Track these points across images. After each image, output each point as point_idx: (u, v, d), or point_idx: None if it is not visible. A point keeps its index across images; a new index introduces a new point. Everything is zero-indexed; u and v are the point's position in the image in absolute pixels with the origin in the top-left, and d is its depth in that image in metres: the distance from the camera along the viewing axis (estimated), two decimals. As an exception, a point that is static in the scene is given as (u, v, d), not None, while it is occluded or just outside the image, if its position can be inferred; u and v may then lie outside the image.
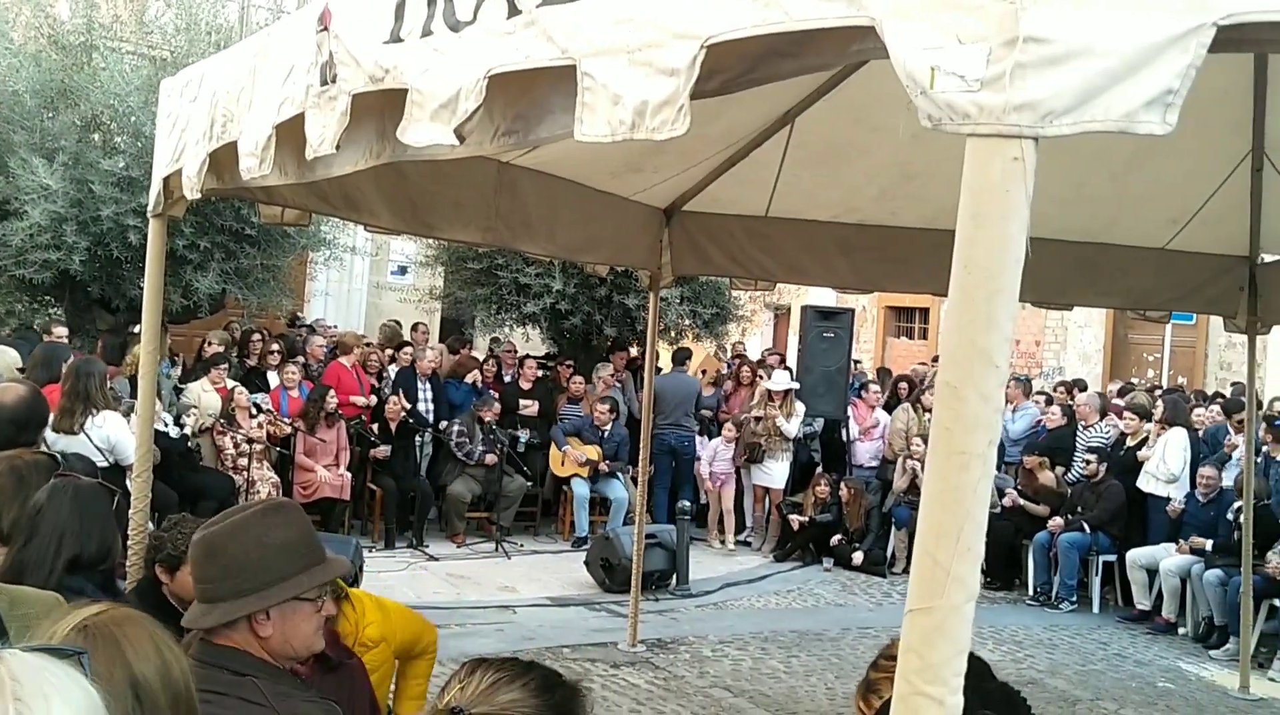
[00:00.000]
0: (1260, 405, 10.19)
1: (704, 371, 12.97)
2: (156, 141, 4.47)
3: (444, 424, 10.88)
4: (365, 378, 10.87)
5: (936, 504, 1.73)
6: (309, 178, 3.55)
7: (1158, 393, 12.25)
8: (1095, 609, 9.77)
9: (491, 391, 11.39)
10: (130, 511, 4.50)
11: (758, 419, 11.31)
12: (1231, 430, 9.93)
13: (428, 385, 11.14)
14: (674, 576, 9.40)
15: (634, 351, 12.73)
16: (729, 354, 14.67)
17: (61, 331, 9.12)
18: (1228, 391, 12.45)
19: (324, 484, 9.67)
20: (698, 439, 11.70)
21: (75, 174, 8.71)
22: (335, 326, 14.07)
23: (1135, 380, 14.76)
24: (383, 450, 10.30)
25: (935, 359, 13.92)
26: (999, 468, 10.74)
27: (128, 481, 5.35)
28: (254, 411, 9.57)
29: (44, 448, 4.96)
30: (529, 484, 11.00)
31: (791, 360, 13.85)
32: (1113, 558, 9.83)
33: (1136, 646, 8.78)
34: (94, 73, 9.16)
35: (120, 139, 9.09)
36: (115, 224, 8.68)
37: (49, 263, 8.81)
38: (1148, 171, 5.59)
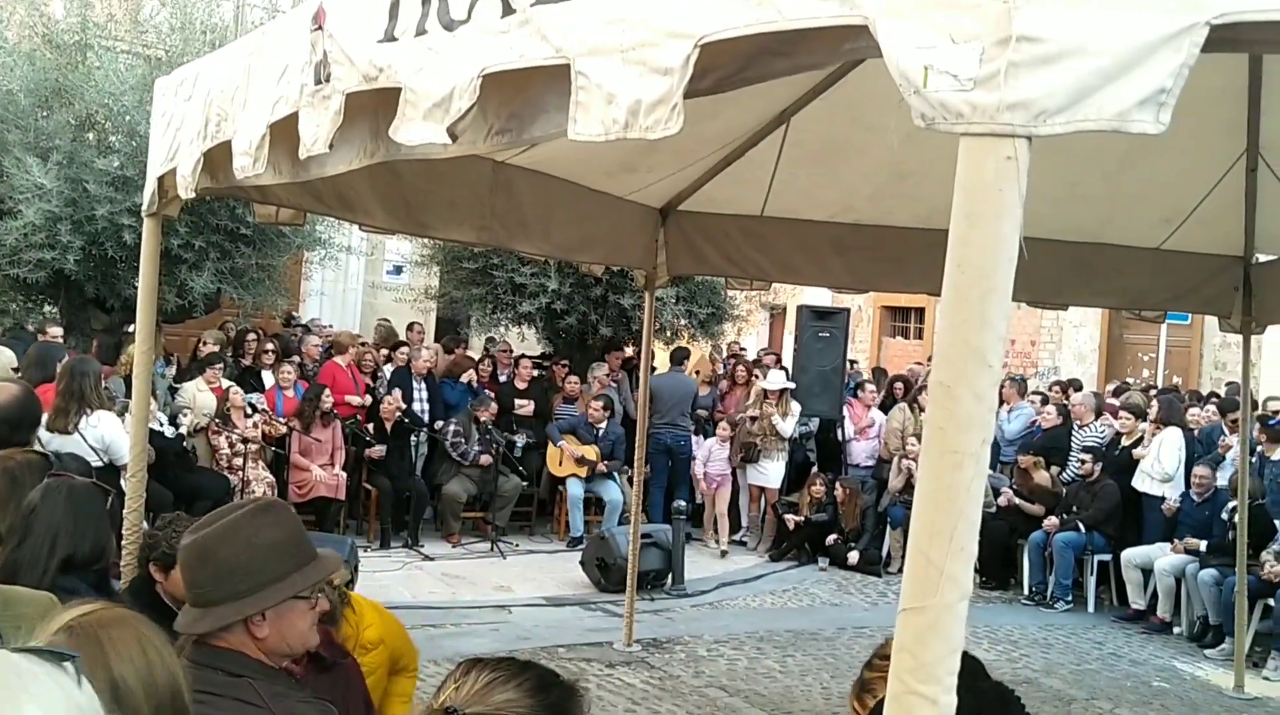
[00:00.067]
0: (1255, 405, 10.19)
1: (697, 372, 12.95)
2: (151, 140, 4.46)
3: (439, 424, 10.87)
4: (360, 377, 10.86)
5: (930, 503, 1.73)
6: (303, 177, 3.55)
7: (1153, 392, 12.25)
8: (1090, 608, 9.78)
9: (487, 391, 11.38)
10: (125, 511, 4.50)
11: (753, 419, 11.31)
12: (1226, 430, 9.95)
13: (423, 385, 11.13)
14: (669, 576, 9.40)
15: (630, 351, 12.72)
16: (724, 354, 14.66)
17: (57, 331, 9.11)
18: (1222, 391, 12.45)
19: (319, 483, 9.67)
20: (693, 439, 11.70)
21: (70, 173, 8.70)
22: (330, 326, 14.05)
23: (1130, 380, 14.77)
24: (378, 450, 10.29)
25: (931, 359, 13.92)
26: (994, 467, 10.86)
27: (122, 481, 5.34)
28: (249, 411, 9.56)
29: (38, 447, 4.95)
30: (524, 484, 10.99)
31: (787, 360, 13.84)
32: (1108, 557, 9.84)
33: (1131, 646, 8.79)
34: (89, 72, 9.14)
35: (115, 138, 9.08)
36: (110, 223, 8.67)
37: (43, 262, 8.79)
38: (1142, 171, 5.59)
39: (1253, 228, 6.45)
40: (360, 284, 17.03)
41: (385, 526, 10.22)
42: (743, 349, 15.47)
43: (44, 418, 5.90)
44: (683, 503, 9.91)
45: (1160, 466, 9.71)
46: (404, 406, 10.61)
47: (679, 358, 12.35)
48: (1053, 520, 9.95)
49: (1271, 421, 9.75)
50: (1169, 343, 15.60)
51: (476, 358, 12.38)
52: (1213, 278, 7.04)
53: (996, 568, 10.33)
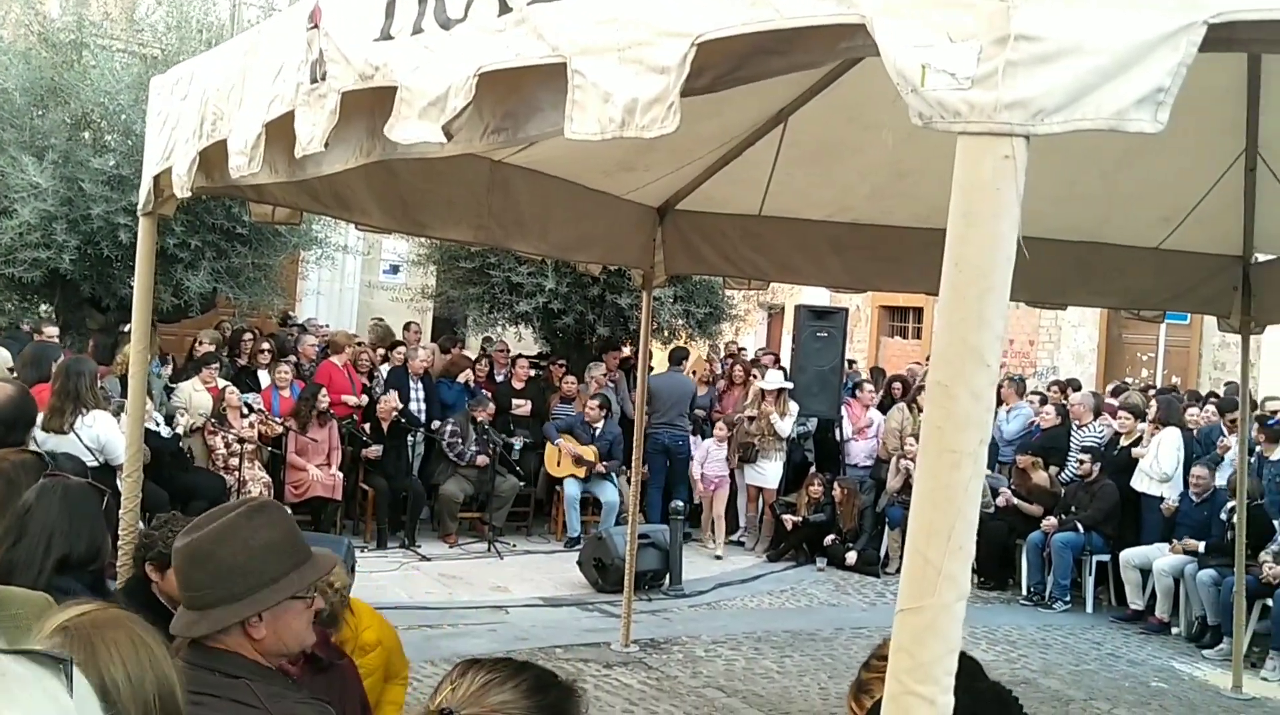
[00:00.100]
0: (1254, 405, 10.20)
1: (694, 372, 12.95)
2: (147, 140, 4.45)
3: (436, 424, 10.86)
4: (357, 377, 10.85)
5: (928, 502, 1.72)
6: (299, 176, 3.54)
7: (1151, 392, 12.26)
8: (1089, 609, 9.78)
9: (484, 392, 11.37)
10: (121, 511, 4.49)
11: (751, 419, 11.30)
12: (1225, 430, 9.95)
13: (420, 385, 11.12)
14: (667, 576, 9.39)
15: (627, 351, 12.72)
16: (722, 353, 14.65)
17: (53, 331, 9.10)
18: (1221, 391, 12.45)
19: (316, 483, 9.66)
20: (691, 439, 11.69)
21: (65, 172, 8.69)
22: (327, 326, 14.04)
23: (1129, 380, 14.77)
24: (375, 450, 10.28)
25: (929, 358, 13.93)
26: (993, 467, 10.85)
27: (118, 481, 5.34)
28: (245, 411, 9.54)
29: (33, 447, 4.94)
30: (521, 484, 10.98)
31: (785, 360, 13.84)
32: (1106, 557, 9.84)
33: (1130, 646, 8.79)
34: (84, 70, 9.13)
35: (110, 137, 9.07)
36: (105, 222, 8.66)
37: (39, 261, 8.78)
38: (1140, 170, 5.59)
39: (1251, 227, 6.45)
40: (357, 283, 17.02)
41: (382, 527, 10.21)
42: (741, 349, 15.47)
43: (39, 418, 5.89)
44: (680, 503, 9.90)
45: (1159, 466, 9.71)
46: (400, 406, 10.60)
47: (677, 358, 12.33)
48: (1051, 520, 9.94)
49: (1270, 421, 9.76)
50: (1168, 342, 15.60)
51: (473, 357, 12.37)
52: (1211, 277, 7.03)
53: (995, 568, 10.33)
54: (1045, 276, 6.63)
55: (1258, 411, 10.28)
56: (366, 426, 10.46)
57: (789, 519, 10.97)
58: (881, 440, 11.59)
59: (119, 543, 4.32)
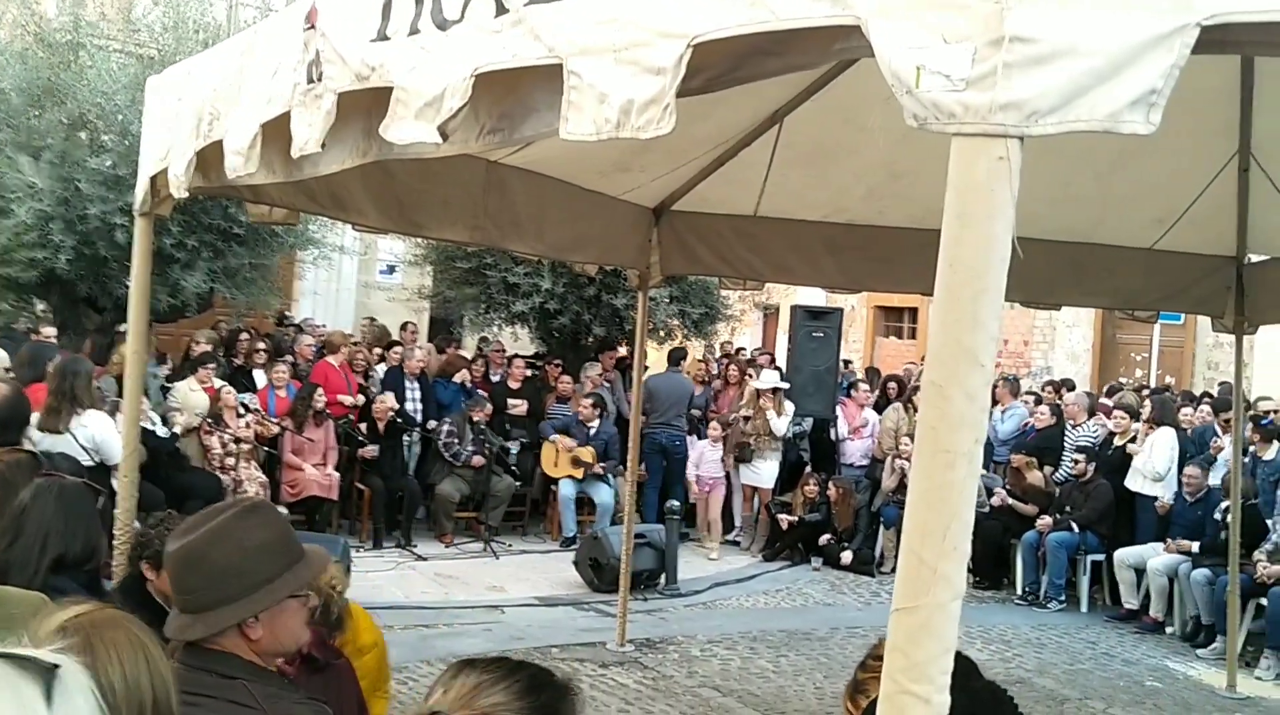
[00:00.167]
0: (1248, 406, 10.23)
1: (687, 372, 12.95)
2: (143, 140, 4.45)
3: (432, 424, 10.86)
4: (353, 377, 10.84)
5: (923, 502, 1.73)
6: (296, 176, 3.54)
7: (1145, 392, 12.29)
8: (1083, 608, 9.80)
9: (481, 392, 11.37)
10: (116, 511, 4.49)
11: (747, 418, 11.31)
12: (1219, 430, 9.97)
13: (416, 385, 11.11)
14: (663, 576, 9.40)
15: (623, 351, 12.72)
16: (717, 353, 14.66)
17: (50, 331, 9.08)
18: (1215, 391, 12.49)
19: (312, 483, 9.65)
20: (688, 439, 11.68)
21: (62, 172, 8.67)
22: (324, 326, 14.02)
23: (1124, 380, 14.81)
24: (371, 450, 10.27)
25: (925, 359, 13.94)
26: (988, 467, 10.85)
27: (113, 481, 5.33)
28: (241, 411, 9.53)
29: (28, 447, 4.93)
30: (517, 484, 10.98)
31: (781, 360, 13.85)
32: (1101, 557, 9.86)
33: (1124, 645, 8.80)
34: (81, 71, 9.12)
35: (107, 137, 9.05)
36: (102, 223, 8.64)
37: (35, 261, 8.76)
38: (1134, 171, 5.60)
39: (1245, 228, 6.47)
40: (353, 284, 17.01)
41: (378, 526, 10.20)
42: (740, 349, 15.49)
43: (35, 417, 5.89)
44: (676, 503, 9.90)
45: (1153, 466, 9.73)
46: (397, 406, 10.60)
47: (676, 358, 12.34)
48: (1046, 520, 9.96)
49: (1265, 421, 9.78)
50: (1162, 343, 15.65)
51: (469, 357, 12.37)
52: (1205, 278, 7.05)
53: (990, 567, 10.34)
54: (1040, 277, 6.64)
55: (1250, 411, 10.31)
56: (363, 426, 10.45)
57: (784, 519, 10.98)
58: (877, 440, 11.60)
59: (114, 542, 4.32)
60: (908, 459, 9.98)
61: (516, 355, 12.42)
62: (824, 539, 10.84)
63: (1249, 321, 7.18)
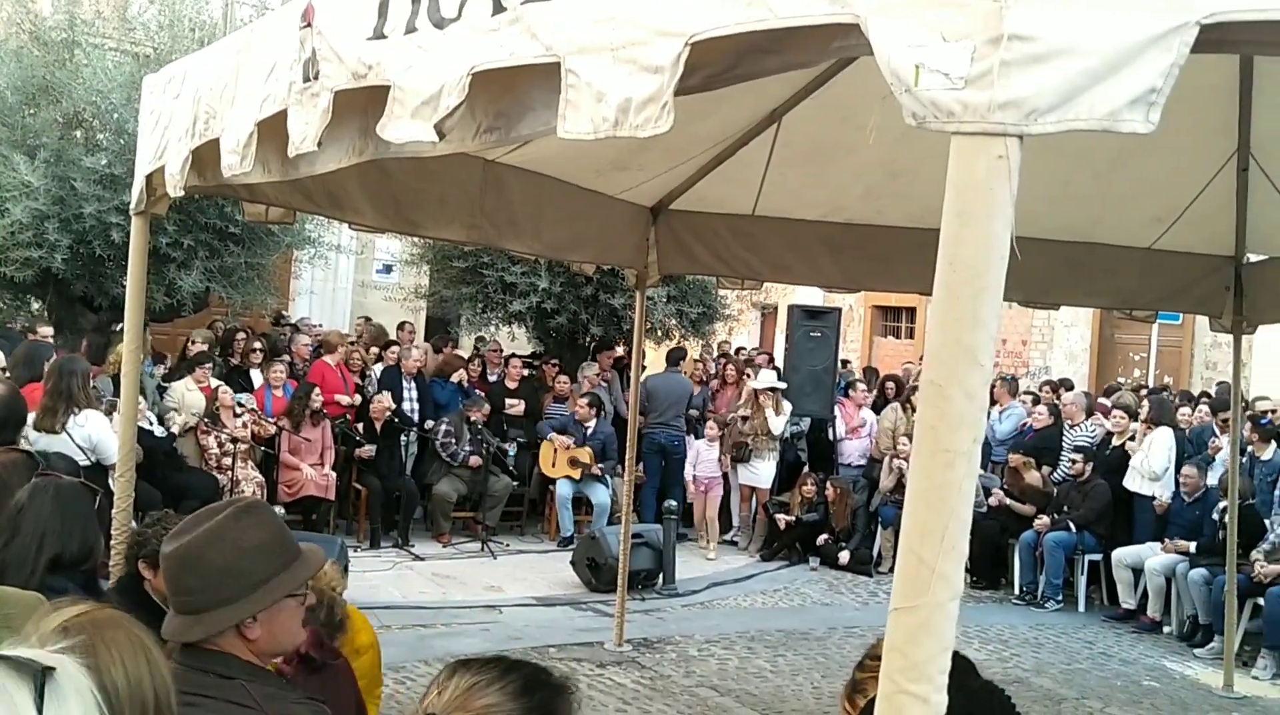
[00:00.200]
0: (1246, 405, 10.23)
1: (685, 373, 12.95)
2: (139, 138, 4.45)
3: (430, 423, 10.85)
4: (349, 377, 10.83)
5: (921, 502, 1.72)
6: (292, 175, 3.54)
7: (1143, 392, 12.29)
8: (1081, 608, 9.80)
9: (478, 392, 11.36)
10: (113, 511, 4.48)
11: (744, 418, 11.30)
12: (1217, 430, 9.98)
13: (413, 384, 11.11)
14: (660, 576, 9.39)
15: (621, 351, 12.72)
16: (715, 353, 14.66)
17: (47, 330, 9.07)
18: (1213, 391, 12.50)
19: (309, 482, 9.64)
20: (687, 438, 11.68)
21: (57, 171, 8.66)
22: (320, 325, 14.02)
23: (1122, 380, 14.82)
24: (368, 450, 10.27)
25: (923, 358, 13.94)
26: (985, 467, 10.85)
27: (110, 481, 5.33)
28: (238, 411, 9.52)
29: (25, 447, 4.93)
30: (514, 484, 10.98)
31: (779, 359, 13.85)
32: (1098, 557, 9.86)
33: (1122, 645, 8.80)
34: (76, 69, 9.11)
35: (103, 136, 9.04)
36: (98, 222, 8.63)
37: (30, 260, 8.75)
38: (1133, 171, 5.60)
39: (1244, 228, 6.47)
40: (350, 283, 17.00)
41: (375, 526, 10.19)
42: (740, 349, 15.49)
43: (31, 417, 5.88)
44: (674, 503, 9.90)
45: (1149, 465, 9.74)
46: (393, 406, 10.59)
47: (675, 358, 12.34)
48: (1044, 520, 9.96)
49: (1263, 420, 9.79)
50: (1160, 342, 15.67)
51: (466, 357, 12.37)
52: (1204, 277, 7.05)
53: (987, 567, 10.34)
54: (1038, 276, 6.64)
55: (1248, 411, 10.32)
56: (360, 426, 10.45)
57: (782, 518, 10.98)
58: (874, 440, 11.60)
59: (111, 542, 4.31)
60: (905, 459, 9.98)
61: (514, 355, 12.42)
62: (822, 539, 10.84)
63: (1247, 321, 7.18)
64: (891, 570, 1.66)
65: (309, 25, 2.97)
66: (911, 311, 18.92)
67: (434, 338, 13.74)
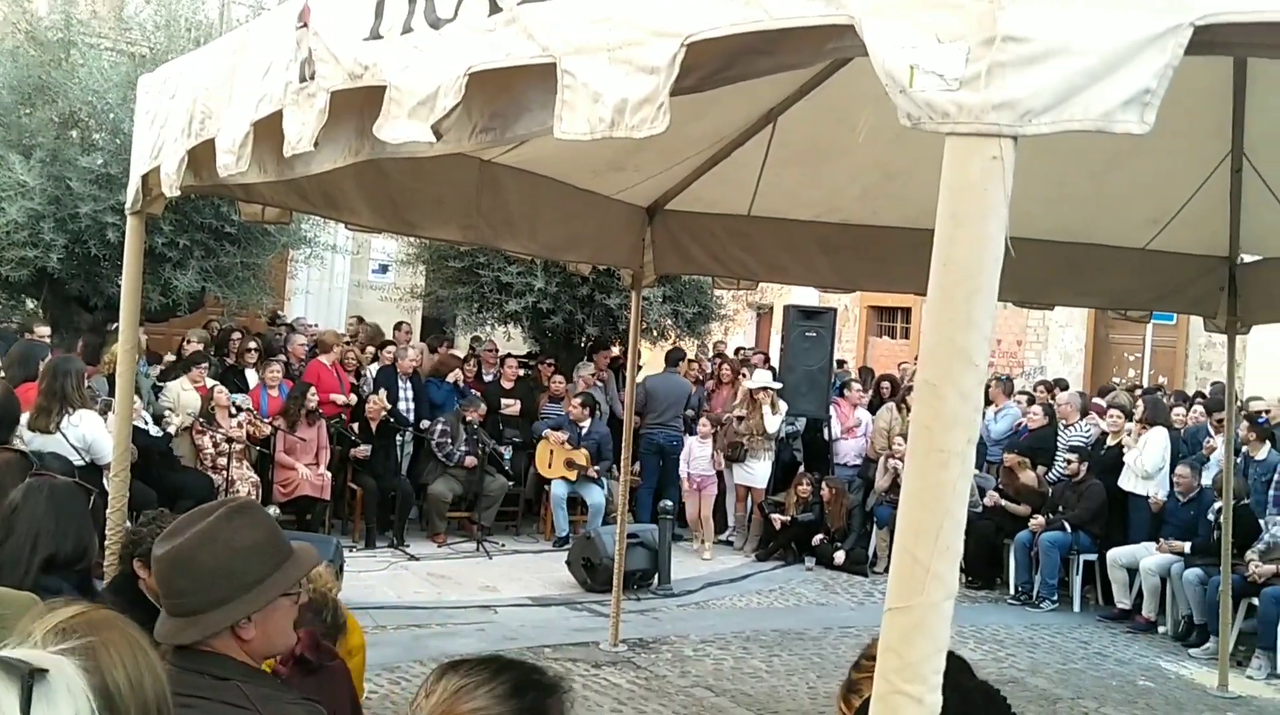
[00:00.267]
0: (1241, 406, 10.24)
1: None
2: (135, 138, 4.45)
3: (425, 423, 10.84)
4: (345, 376, 10.83)
5: (916, 502, 1.73)
6: (288, 175, 3.54)
7: (1138, 392, 12.31)
8: (1076, 608, 9.81)
9: (474, 392, 11.36)
10: (108, 511, 4.48)
11: (740, 418, 11.30)
12: (1212, 430, 9.99)
13: (409, 384, 11.11)
14: (656, 576, 9.39)
15: (617, 351, 12.72)
16: (710, 353, 14.66)
17: (44, 330, 9.06)
18: (1207, 391, 12.51)
19: (304, 482, 9.63)
20: (685, 439, 11.66)
21: (53, 171, 8.65)
22: (316, 325, 14.01)
23: (1116, 380, 14.84)
24: (363, 450, 10.26)
25: (918, 358, 13.94)
26: (980, 467, 10.87)
27: (104, 481, 5.32)
28: (233, 410, 9.51)
29: (19, 446, 4.92)
30: (510, 483, 10.98)
31: (774, 359, 13.86)
32: (1093, 557, 9.87)
33: (1117, 645, 8.82)
34: (72, 69, 9.10)
35: (98, 136, 9.04)
36: (93, 221, 8.62)
37: (26, 260, 8.74)
38: (1128, 171, 5.61)
39: (1238, 228, 6.48)
40: (346, 283, 16.98)
41: (370, 526, 10.19)
42: (740, 350, 15.50)
43: (25, 417, 5.88)
44: (669, 503, 9.90)
45: (1142, 463, 9.75)
46: (389, 406, 10.59)
47: (674, 359, 12.35)
48: (1039, 520, 9.97)
49: (1259, 419, 9.80)
50: (1154, 343, 15.68)
51: (462, 357, 12.36)
52: (1198, 278, 7.07)
53: (982, 567, 10.35)
54: (1033, 277, 6.66)
55: (1244, 411, 10.34)
56: (355, 426, 10.44)
57: (777, 518, 10.98)
58: (870, 440, 11.61)
59: (106, 542, 4.30)
60: (901, 459, 9.99)
61: (509, 355, 12.42)
62: (817, 539, 10.85)
63: (1241, 322, 7.20)
64: (887, 570, 1.66)
65: (305, 25, 2.97)
66: (907, 312, 18.93)
67: (429, 337, 13.73)
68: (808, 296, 14.61)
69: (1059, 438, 10.82)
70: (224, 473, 9.02)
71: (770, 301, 19.72)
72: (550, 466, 10.89)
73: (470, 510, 10.74)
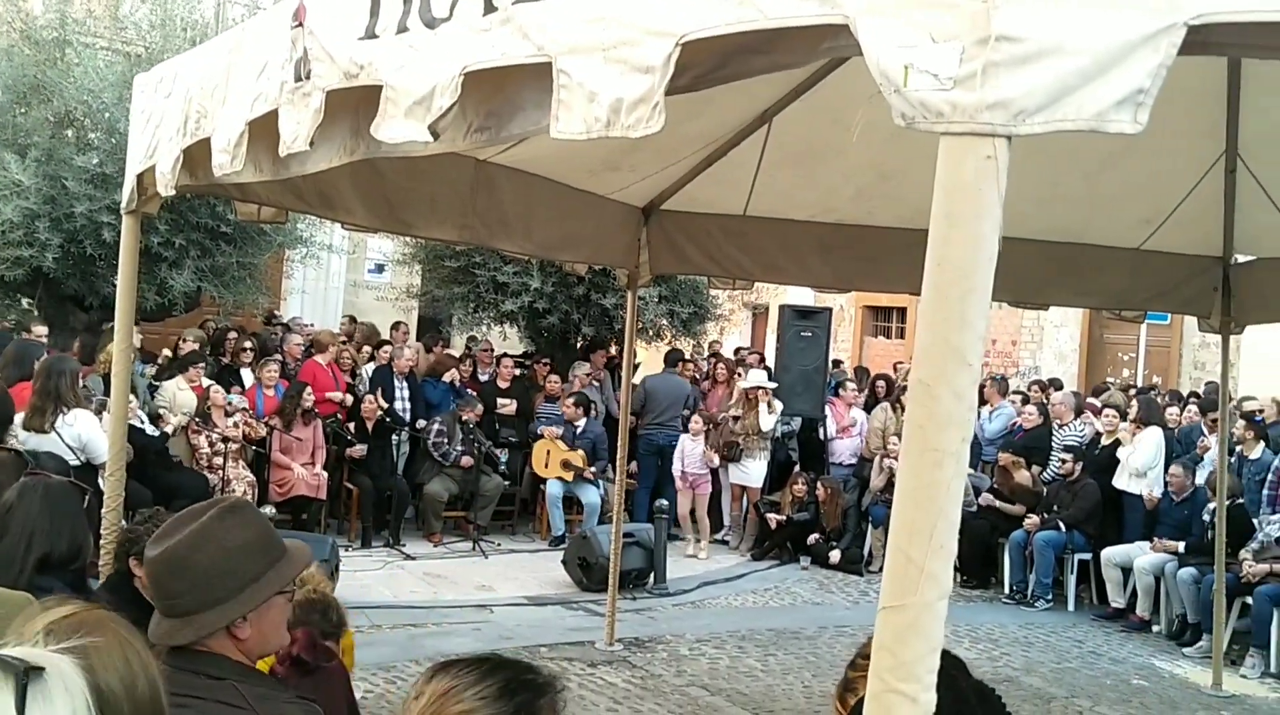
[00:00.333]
0: (1235, 406, 10.27)
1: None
2: (130, 138, 4.44)
3: (421, 423, 10.84)
4: (341, 376, 10.82)
5: (910, 501, 1.73)
6: (283, 174, 3.54)
7: (1132, 392, 12.33)
8: (1070, 607, 9.82)
9: (470, 391, 11.36)
10: (103, 510, 4.47)
11: (736, 418, 11.30)
12: (1206, 429, 10.01)
13: (405, 384, 11.10)
14: (651, 575, 9.39)
15: (614, 350, 12.72)
16: (705, 353, 14.67)
17: (41, 330, 9.05)
18: (1201, 391, 12.54)
19: (300, 482, 9.62)
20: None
21: (48, 170, 8.65)
22: (312, 325, 13.99)
23: (1111, 380, 14.85)
24: (359, 449, 10.25)
25: (912, 358, 13.94)
26: (976, 467, 10.88)
27: (100, 480, 5.32)
28: (229, 410, 9.49)
29: (14, 446, 4.92)
30: (506, 483, 10.98)
31: (770, 359, 13.86)
32: (1088, 556, 9.89)
33: (1111, 644, 8.83)
34: (67, 68, 9.09)
35: (94, 135, 9.03)
36: (89, 221, 8.62)
37: (21, 259, 8.73)
38: (1122, 172, 5.62)
39: (1231, 229, 6.49)
40: (342, 283, 16.98)
41: (366, 526, 10.18)
42: (740, 349, 15.50)
43: (19, 416, 5.87)
44: (665, 502, 9.90)
45: (1135, 461, 9.77)
46: (385, 406, 10.58)
47: (673, 359, 12.35)
48: (1033, 519, 9.98)
49: (1256, 417, 9.81)
50: (1149, 343, 15.70)
51: (457, 356, 12.36)
52: (1192, 278, 7.08)
53: (977, 566, 10.37)
54: (1028, 277, 6.67)
55: (1240, 409, 10.36)
56: (351, 426, 10.43)
57: (773, 518, 10.98)
58: (865, 439, 11.62)
59: (101, 542, 4.30)
60: (896, 458, 9.98)
61: (505, 354, 12.42)
62: (812, 538, 10.85)
63: (1235, 322, 7.21)
64: (882, 569, 1.66)
65: (300, 25, 2.97)
66: (902, 311, 18.93)
67: (425, 337, 13.72)
68: (803, 296, 14.61)
69: (1053, 437, 10.84)
70: (219, 472, 9.01)
71: (766, 301, 19.72)
72: (547, 466, 10.89)
73: (466, 510, 10.73)
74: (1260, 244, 6.81)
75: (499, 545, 10.57)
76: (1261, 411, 10.35)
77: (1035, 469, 10.61)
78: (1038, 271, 6.69)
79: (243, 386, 10.14)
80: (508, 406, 11.54)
